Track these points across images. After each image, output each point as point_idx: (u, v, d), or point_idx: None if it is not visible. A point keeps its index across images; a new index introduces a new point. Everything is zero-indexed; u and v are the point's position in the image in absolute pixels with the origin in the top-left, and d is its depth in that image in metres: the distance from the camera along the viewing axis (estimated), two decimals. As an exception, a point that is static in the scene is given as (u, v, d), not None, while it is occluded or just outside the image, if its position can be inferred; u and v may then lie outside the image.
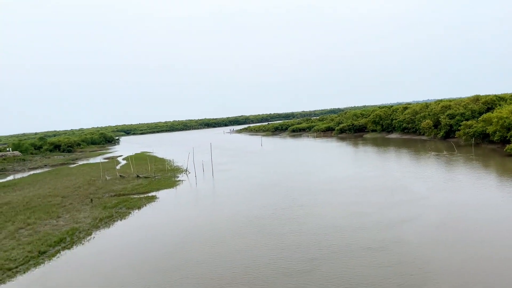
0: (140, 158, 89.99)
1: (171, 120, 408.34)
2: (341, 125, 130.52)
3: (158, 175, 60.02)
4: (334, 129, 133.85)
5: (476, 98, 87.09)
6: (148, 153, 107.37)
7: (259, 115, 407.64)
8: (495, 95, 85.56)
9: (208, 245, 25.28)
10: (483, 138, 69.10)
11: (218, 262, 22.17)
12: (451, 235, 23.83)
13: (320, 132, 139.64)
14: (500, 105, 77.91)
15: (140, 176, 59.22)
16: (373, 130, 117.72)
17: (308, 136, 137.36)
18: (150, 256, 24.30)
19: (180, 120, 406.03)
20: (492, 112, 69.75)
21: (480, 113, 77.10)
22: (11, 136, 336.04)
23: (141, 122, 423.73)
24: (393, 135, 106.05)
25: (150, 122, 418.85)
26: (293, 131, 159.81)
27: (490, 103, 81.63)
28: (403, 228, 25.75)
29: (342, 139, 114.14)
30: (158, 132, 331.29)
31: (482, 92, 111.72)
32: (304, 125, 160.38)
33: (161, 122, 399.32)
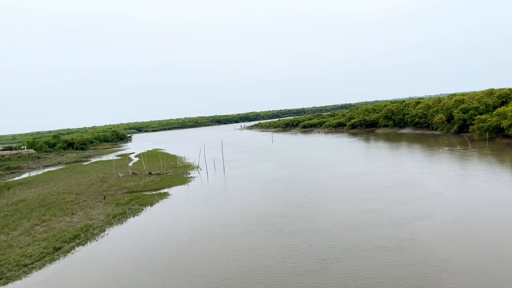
0: (152, 155, 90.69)
1: (182, 117, 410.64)
2: (352, 121, 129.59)
3: (170, 171, 60.43)
4: (345, 125, 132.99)
5: (490, 92, 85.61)
6: (160, 150, 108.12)
7: (269, 111, 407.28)
8: (510, 89, 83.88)
9: (218, 243, 25.27)
10: (497, 132, 67.98)
11: (228, 261, 22.09)
12: (466, 233, 23.28)
13: (331, 127, 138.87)
14: (515, 98, 76.49)
15: (152, 173, 59.69)
16: (385, 126, 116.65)
17: (319, 132, 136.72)
18: (160, 254, 24.48)
19: (191, 117, 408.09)
20: (506, 106, 68.61)
21: (495, 107, 75.87)
22: (26, 134, 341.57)
23: (152, 120, 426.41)
24: (405, 130, 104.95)
25: (161, 119, 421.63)
26: (304, 127, 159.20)
27: (505, 97, 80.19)
28: (417, 225, 25.24)
29: (354, 134, 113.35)
30: (169, 129, 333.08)
31: (496, 86, 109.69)
32: (315, 121, 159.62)
33: (172, 120, 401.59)
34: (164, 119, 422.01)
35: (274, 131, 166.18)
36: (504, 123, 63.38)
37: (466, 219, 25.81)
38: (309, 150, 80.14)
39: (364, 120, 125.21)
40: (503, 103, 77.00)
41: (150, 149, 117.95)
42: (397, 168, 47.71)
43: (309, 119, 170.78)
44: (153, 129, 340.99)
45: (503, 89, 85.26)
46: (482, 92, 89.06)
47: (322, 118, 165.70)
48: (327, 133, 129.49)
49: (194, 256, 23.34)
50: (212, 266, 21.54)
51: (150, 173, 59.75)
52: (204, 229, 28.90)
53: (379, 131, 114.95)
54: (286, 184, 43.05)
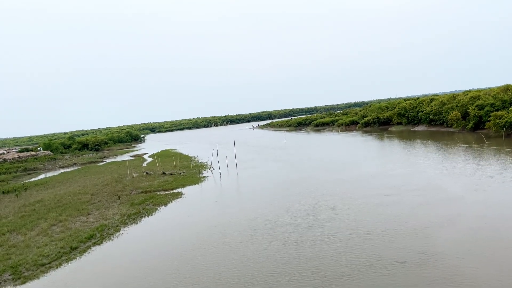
0: (166, 155, 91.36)
1: (195, 118, 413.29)
2: (365, 119, 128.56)
3: (183, 171, 60.80)
4: (358, 123, 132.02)
5: (507, 88, 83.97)
6: (173, 150, 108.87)
7: (281, 110, 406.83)
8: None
9: (226, 250, 24.05)
10: (514, 129, 66.66)
11: (231, 271, 20.75)
12: (495, 245, 20.89)
13: (344, 126, 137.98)
14: (532, 94, 74.96)
15: (166, 173, 60.15)
16: (398, 123, 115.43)
17: (331, 131, 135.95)
18: (168, 256, 24.37)
19: (203, 117, 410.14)
20: (524, 102, 67.19)
21: (511, 103, 74.35)
22: (42, 136, 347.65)
23: (165, 120, 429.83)
24: (420, 128, 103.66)
25: (174, 119, 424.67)
26: (317, 125, 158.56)
27: (522, 92, 78.58)
28: (440, 235, 22.97)
29: (367, 132, 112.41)
30: (182, 129, 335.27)
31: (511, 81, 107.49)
32: (327, 119, 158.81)
33: (185, 120, 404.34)
34: (177, 119, 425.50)
35: (287, 130, 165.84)
36: (522, 119, 62.14)
37: (493, 228, 23.43)
38: (322, 150, 79.75)
39: (378, 117, 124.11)
40: (520, 99, 75.44)
41: (164, 149, 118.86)
42: (414, 169, 45.88)
43: (321, 118, 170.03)
44: (166, 129, 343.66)
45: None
46: (498, 88, 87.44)
47: (335, 116, 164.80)
48: (340, 131, 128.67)
49: (200, 263, 22.40)
50: (214, 275, 20.45)
51: (163, 173, 60.21)
52: (213, 233, 27.92)
53: (393, 128, 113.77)
54: (299, 187, 41.80)
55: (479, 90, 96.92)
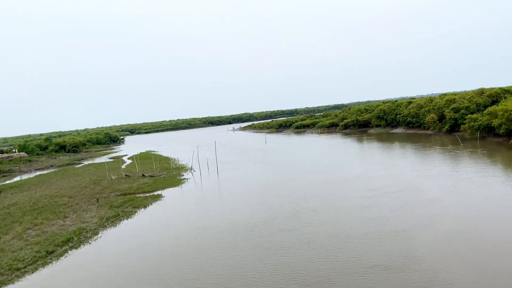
0: (145, 157, 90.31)
1: (175, 119, 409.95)
2: (345, 121, 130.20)
3: (163, 173, 60.21)
4: (338, 125, 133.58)
5: (481, 91, 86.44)
6: (153, 152, 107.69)
7: (262, 112, 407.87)
8: (500, 88, 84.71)
9: (206, 254, 23.57)
10: (488, 131, 68.67)
11: (210, 276, 20.27)
12: (474, 246, 21.23)
13: (324, 128, 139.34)
14: (505, 97, 77.38)
15: (146, 175, 59.45)
16: (377, 125, 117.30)
17: (312, 133, 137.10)
18: (148, 261, 23.77)
19: (184, 118, 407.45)
20: (497, 105, 69.27)
21: (485, 106, 76.55)
22: (17, 137, 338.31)
23: (145, 122, 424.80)
24: (398, 130, 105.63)
25: (154, 121, 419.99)
26: (297, 127, 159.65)
27: (495, 96, 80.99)
28: (420, 237, 23.13)
29: (347, 134, 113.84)
30: (162, 131, 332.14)
31: (487, 85, 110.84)
32: (308, 121, 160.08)
33: (165, 121, 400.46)
34: (157, 120, 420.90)
35: (268, 132, 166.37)
36: (495, 122, 64.03)
37: (471, 229, 23.92)
38: (303, 151, 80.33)
39: (357, 120, 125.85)
40: (494, 102, 77.75)
41: (143, 151, 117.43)
42: (393, 171, 46.47)
43: (302, 120, 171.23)
44: (146, 131, 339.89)
45: (494, 88, 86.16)
46: (473, 91, 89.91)
47: (315, 118, 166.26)
48: (320, 133, 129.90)
49: (177, 268, 21.96)
50: (192, 282, 20.02)
51: (143, 175, 59.49)
52: (190, 237, 27.40)
53: (372, 131, 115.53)
54: (280, 189, 41.64)
55: (454, 94, 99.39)
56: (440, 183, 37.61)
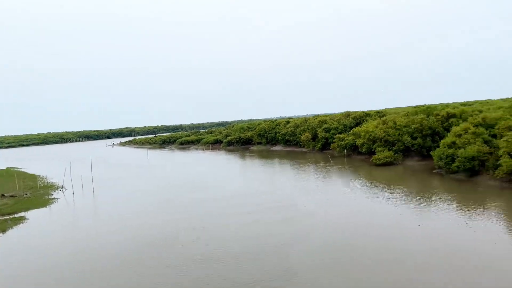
0: (6, 175, 79.28)
1: (45, 132, 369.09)
2: (229, 138, 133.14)
3: (28, 193, 53.46)
4: (222, 142, 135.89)
5: (347, 114, 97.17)
6: (16, 169, 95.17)
7: (145, 127, 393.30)
8: (363, 111, 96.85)
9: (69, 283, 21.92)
10: (353, 149, 77.10)
11: None
12: (346, 255, 23.32)
13: (208, 144, 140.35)
14: (366, 120, 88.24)
15: (5, 195, 52.04)
16: (259, 143, 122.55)
17: (196, 149, 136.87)
18: None
19: (55, 132, 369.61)
20: (360, 127, 78.50)
21: (351, 127, 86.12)
22: None
23: (7, 135, 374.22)
24: (277, 147, 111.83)
25: (18, 134, 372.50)
26: (182, 143, 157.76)
27: (359, 118, 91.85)
28: (296, 250, 24.69)
29: (230, 151, 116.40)
30: (28, 145, 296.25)
31: (352, 109, 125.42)
32: (192, 137, 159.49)
33: (32, 135, 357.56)
34: (22, 134, 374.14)
35: (150, 148, 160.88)
36: (358, 142, 72.25)
37: (344, 239, 26.42)
38: (186, 168, 79.42)
39: (240, 137, 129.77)
40: (358, 124, 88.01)
41: (3, 167, 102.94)
42: (273, 187, 48.93)
43: (186, 136, 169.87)
44: (7, 145, 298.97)
45: (357, 111, 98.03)
46: (341, 114, 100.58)
47: (200, 135, 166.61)
48: (205, 150, 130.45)
49: None
50: None
51: (2, 195, 51.96)
52: (57, 263, 25.40)
53: (254, 148, 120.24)
54: (160, 209, 40.27)
55: (326, 115, 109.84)
56: (315, 197, 40.94)
